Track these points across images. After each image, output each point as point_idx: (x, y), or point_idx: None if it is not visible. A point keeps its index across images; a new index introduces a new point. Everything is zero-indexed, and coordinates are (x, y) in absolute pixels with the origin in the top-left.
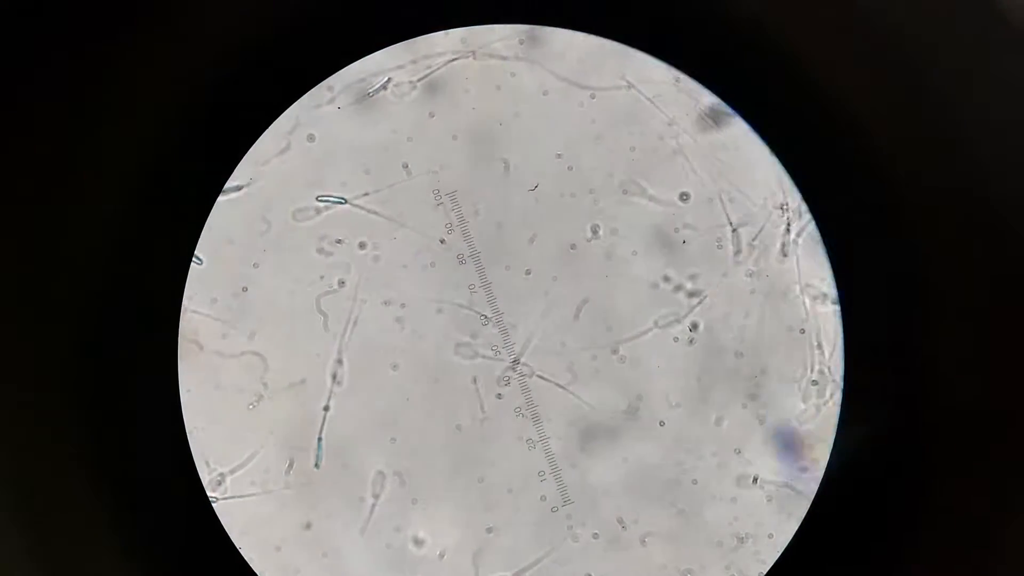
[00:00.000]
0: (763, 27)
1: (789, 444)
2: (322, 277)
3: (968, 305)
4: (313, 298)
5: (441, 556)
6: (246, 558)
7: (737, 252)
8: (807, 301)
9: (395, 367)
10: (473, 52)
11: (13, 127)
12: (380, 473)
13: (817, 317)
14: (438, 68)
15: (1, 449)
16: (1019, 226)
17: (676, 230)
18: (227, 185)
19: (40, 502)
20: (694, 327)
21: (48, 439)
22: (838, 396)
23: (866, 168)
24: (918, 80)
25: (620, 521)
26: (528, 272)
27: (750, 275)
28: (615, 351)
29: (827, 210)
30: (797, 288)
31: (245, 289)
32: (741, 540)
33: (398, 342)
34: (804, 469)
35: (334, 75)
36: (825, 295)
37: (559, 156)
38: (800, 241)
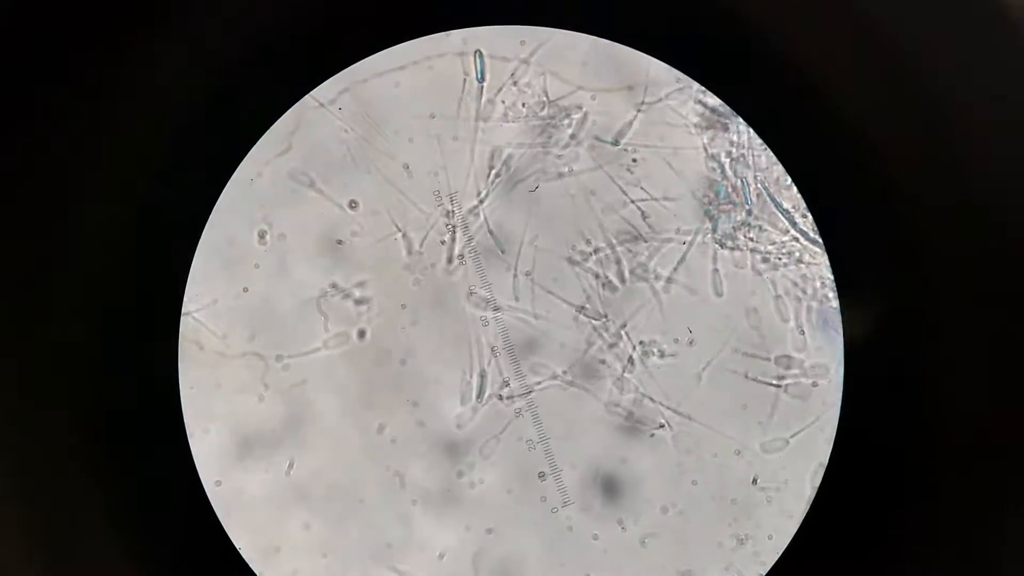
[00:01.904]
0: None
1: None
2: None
3: (970, 305)
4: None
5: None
6: (246, 559)
7: (409, 254)
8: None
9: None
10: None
11: (10, 129)
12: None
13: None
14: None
15: (0, 450)
16: (1020, 226)
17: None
18: (227, 183)
19: (40, 503)
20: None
21: (48, 440)
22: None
23: (866, 168)
24: (920, 80)
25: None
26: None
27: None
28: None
29: (827, 211)
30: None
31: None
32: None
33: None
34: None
35: (335, 75)
36: (487, 301)
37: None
38: (466, 253)
